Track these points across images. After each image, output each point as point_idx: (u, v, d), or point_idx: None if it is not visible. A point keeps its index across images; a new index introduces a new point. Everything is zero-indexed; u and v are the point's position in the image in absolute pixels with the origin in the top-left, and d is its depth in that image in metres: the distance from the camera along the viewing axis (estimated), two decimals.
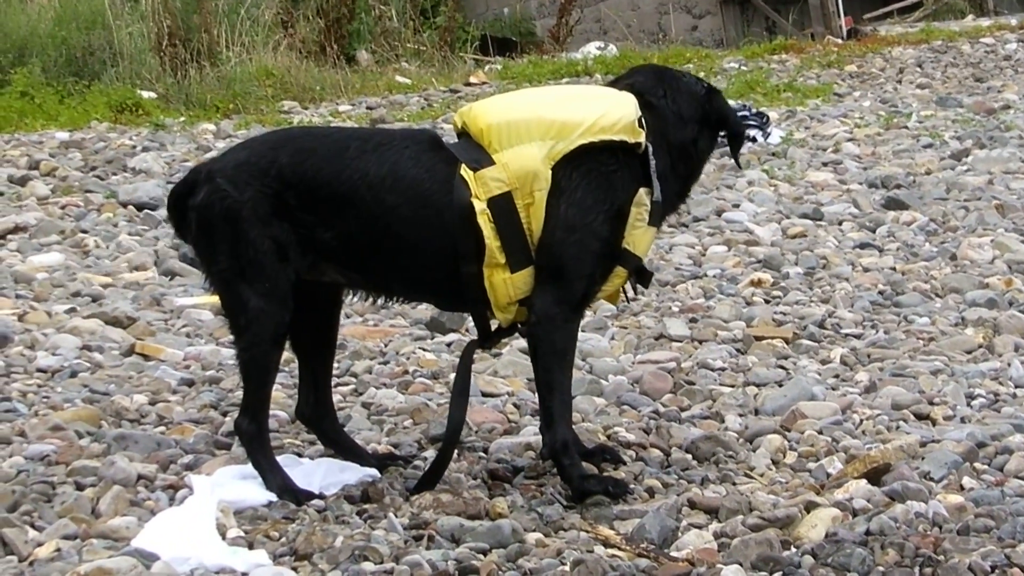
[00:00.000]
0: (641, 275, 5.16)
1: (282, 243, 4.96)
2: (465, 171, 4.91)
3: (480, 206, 4.86)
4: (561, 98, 5.21)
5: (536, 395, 5.25)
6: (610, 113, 4.97)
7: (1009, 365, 6.47)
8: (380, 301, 5.33)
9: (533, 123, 4.94)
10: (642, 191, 4.99)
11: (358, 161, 4.97)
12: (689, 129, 5.15)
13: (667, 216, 5.27)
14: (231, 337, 5.13)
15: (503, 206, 4.88)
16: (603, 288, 5.06)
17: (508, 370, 6.45)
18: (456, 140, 5.11)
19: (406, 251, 4.96)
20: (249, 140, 5.39)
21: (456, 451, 5.40)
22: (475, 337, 5.27)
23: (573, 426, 5.37)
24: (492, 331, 5.18)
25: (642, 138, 4.99)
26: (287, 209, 4.96)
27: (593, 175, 4.93)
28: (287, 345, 5.15)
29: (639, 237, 5.01)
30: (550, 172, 4.88)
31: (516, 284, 4.93)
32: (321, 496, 4.97)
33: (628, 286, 5.20)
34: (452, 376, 6.25)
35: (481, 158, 4.93)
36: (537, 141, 4.90)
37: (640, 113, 5.02)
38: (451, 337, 7.02)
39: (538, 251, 4.91)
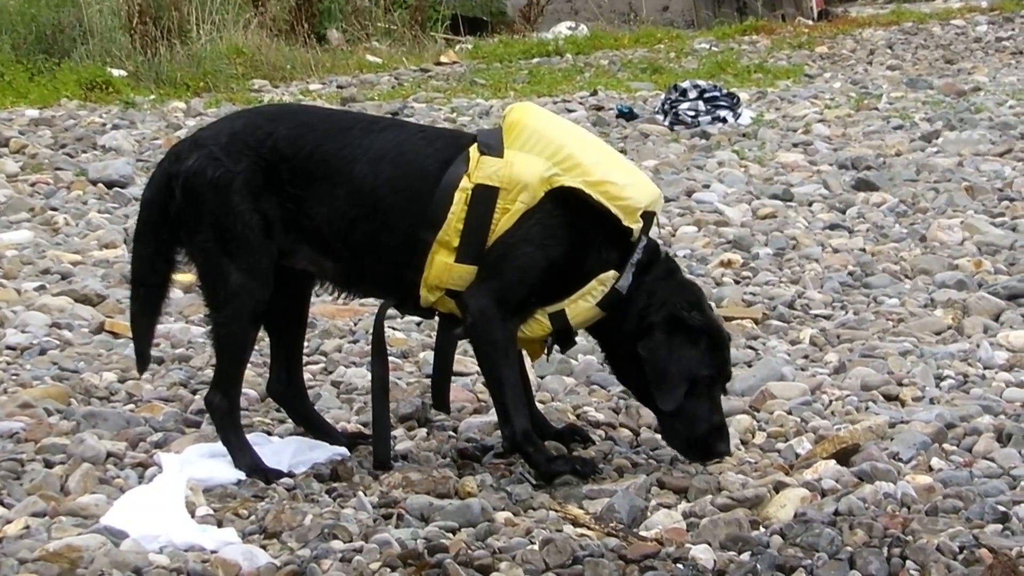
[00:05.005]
0: (564, 340, 5.09)
1: (269, 219, 4.93)
2: (474, 151, 4.89)
3: (466, 184, 4.83)
4: (595, 146, 5.09)
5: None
6: (625, 187, 4.87)
7: (978, 346, 6.47)
8: (344, 296, 5.25)
9: (553, 145, 4.87)
10: (611, 272, 4.90)
11: (363, 139, 4.94)
12: (631, 321, 4.94)
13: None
14: (207, 311, 5.09)
15: (484, 197, 4.83)
16: (524, 330, 4.94)
17: None
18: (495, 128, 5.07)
19: (387, 228, 4.89)
20: (245, 110, 5.34)
21: (426, 430, 5.41)
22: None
23: (543, 405, 5.38)
24: (414, 304, 5.04)
25: (635, 228, 4.86)
26: (279, 183, 4.92)
27: (574, 216, 4.85)
28: None
29: (579, 309, 4.91)
30: (542, 194, 4.82)
31: (452, 274, 4.86)
32: (290, 474, 4.97)
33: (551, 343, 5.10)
34: (422, 355, 6.28)
35: (495, 146, 4.89)
36: (547, 160, 4.84)
37: (647, 222, 4.93)
38: None
39: (489, 249, 4.84)
